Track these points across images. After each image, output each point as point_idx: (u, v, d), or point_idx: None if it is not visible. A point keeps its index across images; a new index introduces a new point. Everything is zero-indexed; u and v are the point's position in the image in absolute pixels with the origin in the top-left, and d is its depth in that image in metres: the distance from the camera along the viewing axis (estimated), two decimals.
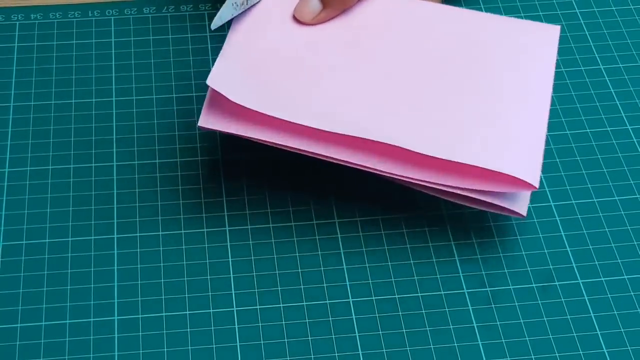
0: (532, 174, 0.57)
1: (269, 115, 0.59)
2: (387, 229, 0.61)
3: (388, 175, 0.58)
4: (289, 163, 0.64)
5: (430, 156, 0.58)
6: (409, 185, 0.59)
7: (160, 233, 0.60)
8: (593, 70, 0.70)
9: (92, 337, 0.55)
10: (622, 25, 0.73)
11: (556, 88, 0.69)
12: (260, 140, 0.58)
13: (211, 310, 0.57)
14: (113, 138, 0.65)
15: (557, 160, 0.64)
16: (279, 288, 0.58)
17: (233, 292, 0.58)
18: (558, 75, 0.69)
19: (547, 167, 0.64)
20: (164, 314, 0.57)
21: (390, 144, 0.58)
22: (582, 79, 0.69)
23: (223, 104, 0.59)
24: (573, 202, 0.62)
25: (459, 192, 0.58)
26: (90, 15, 0.72)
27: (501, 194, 0.58)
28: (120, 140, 0.65)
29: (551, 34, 0.64)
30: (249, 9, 0.64)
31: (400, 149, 0.58)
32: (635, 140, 0.66)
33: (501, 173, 0.57)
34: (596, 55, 0.71)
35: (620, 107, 0.68)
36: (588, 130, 0.66)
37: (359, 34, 0.63)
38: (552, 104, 0.68)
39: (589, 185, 0.63)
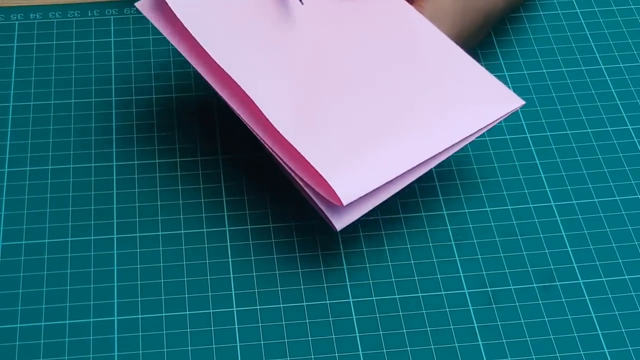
0: (346, 189, 0.54)
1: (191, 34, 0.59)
2: (387, 229, 0.61)
3: (260, 138, 0.58)
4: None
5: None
6: (280, 164, 0.58)
7: (160, 233, 0.60)
8: (594, 70, 0.70)
9: (91, 338, 0.55)
10: (622, 25, 0.73)
11: (557, 88, 0.69)
12: (177, 45, 0.59)
13: (211, 311, 0.57)
14: (113, 138, 0.65)
15: (558, 160, 0.64)
16: (279, 288, 0.58)
17: (233, 292, 0.58)
18: (559, 75, 0.69)
19: (548, 167, 0.64)
20: (163, 314, 0.56)
21: (262, 111, 0.57)
22: (582, 79, 0.69)
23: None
24: (574, 202, 0.62)
25: (294, 173, 0.56)
26: (89, 15, 0.72)
27: (327, 202, 0.56)
28: (120, 140, 0.64)
29: (508, 102, 0.60)
30: None
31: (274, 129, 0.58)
32: (636, 140, 0.66)
33: (321, 175, 0.56)
34: (597, 55, 0.71)
35: (621, 107, 0.67)
36: (589, 130, 0.66)
37: (328, 26, 0.62)
38: (553, 104, 0.68)
39: (590, 185, 0.63)
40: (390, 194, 0.57)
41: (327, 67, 0.61)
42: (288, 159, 0.57)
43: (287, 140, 0.57)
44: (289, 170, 0.57)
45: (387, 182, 0.56)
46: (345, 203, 0.54)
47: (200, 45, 0.59)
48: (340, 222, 0.56)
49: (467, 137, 0.58)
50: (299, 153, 0.57)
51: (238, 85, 0.59)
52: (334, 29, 0.62)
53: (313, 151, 0.56)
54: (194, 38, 0.60)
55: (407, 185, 0.57)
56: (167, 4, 0.60)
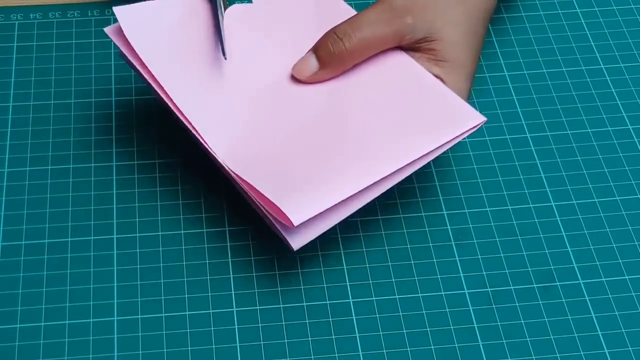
0: (297, 211, 0.54)
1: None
2: (387, 229, 0.61)
3: (217, 164, 0.58)
4: None
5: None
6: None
7: (160, 233, 0.60)
8: (594, 69, 0.70)
9: (91, 338, 0.55)
10: (623, 24, 0.73)
11: (557, 88, 0.69)
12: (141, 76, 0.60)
13: (211, 311, 0.57)
14: (112, 138, 0.65)
15: (558, 160, 0.64)
16: (279, 288, 0.58)
17: (233, 292, 0.58)
18: (559, 75, 0.69)
19: (548, 167, 0.64)
20: (163, 314, 0.56)
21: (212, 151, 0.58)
22: (583, 79, 0.69)
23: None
24: (574, 202, 0.62)
25: (251, 196, 0.57)
26: (89, 14, 0.72)
27: (282, 223, 0.56)
28: (120, 140, 0.64)
29: (471, 120, 0.59)
30: None
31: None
32: (636, 140, 0.66)
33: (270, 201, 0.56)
34: (597, 55, 0.71)
35: (621, 107, 0.67)
36: (589, 130, 0.66)
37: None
38: (553, 104, 0.67)
39: (590, 185, 0.63)
40: (348, 213, 0.56)
41: (280, 92, 0.61)
42: (243, 184, 0.57)
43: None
44: (245, 195, 0.58)
45: (342, 201, 0.56)
46: (296, 224, 0.54)
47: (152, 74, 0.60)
48: (296, 242, 0.56)
49: (427, 154, 0.58)
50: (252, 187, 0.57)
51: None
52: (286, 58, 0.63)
53: (261, 179, 0.56)
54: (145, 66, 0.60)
55: (367, 203, 0.57)
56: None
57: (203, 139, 0.58)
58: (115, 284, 0.58)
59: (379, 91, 0.61)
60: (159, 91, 0.59)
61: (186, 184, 0.62)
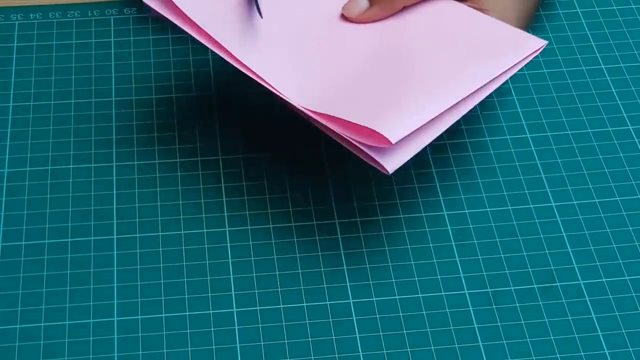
0: (392, 128, 0.55)
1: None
2: (387, 229, 0.61)
3: (291, 106, 0.58)
4: (289, 164, 0.64)
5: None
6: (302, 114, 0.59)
7: (160, 234, 0.60)
8: (594, 70, 0.70)
9: (91, 339, 0.55)
10: (623, 24, 0.73)
11: (557, 88, 0.68)
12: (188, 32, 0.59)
13: (211, 311, 0.57)
14: (113, 138, 0.65)
15: (559, 160, 0.64)
16: (279, 289, 0.58)
17: (233, 293, 0.58)
18: (559, 75, 0.69)
19: (548, 167, 0.64)
20: (163, 315, 0.56)
21: (280, 90, 0.58)
22: (583, 79, 0.69)
23: None
24: (574, 202, 0.62)
25: (335, 134, 0.57)
26: (89, 15, 0.72)
27: (373, 147, 0.56)
28: (120, 140, 0.64)
29: (530, 44, 0.60)
30: None
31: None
32: (636, 140, 0.66)
33: (362, 125, 0.56)
34: (597, 55, 0.70)
35: (621, 107, 0.67)
36: (589, 130, 0.66)
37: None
38: (553, 104, 0.67)
39: (590, 186, 0.63)
40: (437, 133, 0.57)
41: (333, 33, 0.62)
42: (325, 121, 0.57)
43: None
44: (327, 131, 0.58)
45: (429, 122, 0.56)
46: (394, 141, 0.54)
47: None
48: (390, 164, 0.55)
49: (495, 79, 0.58)
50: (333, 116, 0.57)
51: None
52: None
53: (343, 109, 0.56)
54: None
55: (452, 125, 0.59)
56: None
57: (272, 87, 0.58)
58: (116, 285, 0.58)
59: (433, 31, 0.61)
60: (215, 48, 0.59)
61: (186, 184, 0.62)
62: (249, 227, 0.61)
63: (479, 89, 0.58)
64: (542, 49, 0.59)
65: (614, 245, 0.60)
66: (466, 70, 0.58)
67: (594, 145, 0.65)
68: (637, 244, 0.60)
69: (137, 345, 0.55)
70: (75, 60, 0.69)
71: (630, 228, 0.61)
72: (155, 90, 0.67)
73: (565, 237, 0.60)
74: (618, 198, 0.62)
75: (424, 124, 0.56)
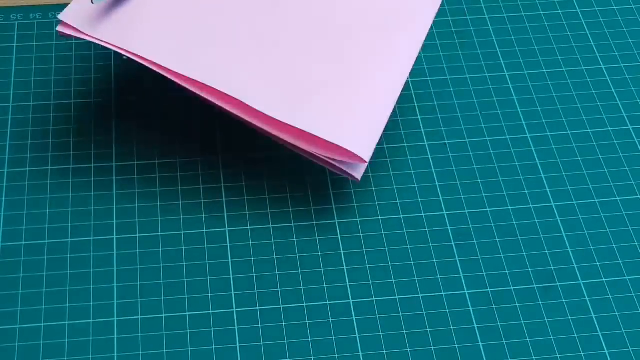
0: (365, 148, 0.58)
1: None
2: (387, 229, 0.61)
3: (251, 124, 0.59)
4: (289, 164, 0.64)
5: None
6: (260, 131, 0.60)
7: (160, 234, 0.60)
8: (594, 70, 0.70)
9: (91, 339, 0.55)
10: (623, 24, 0.73)
11: (557, 88, 0.68)
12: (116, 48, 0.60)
13: (211, 312, 0.57)
14: (112, 138, 0.64)
15: (558, 160, 0.64)
16: (279, 289, 0.58)
17: (233, 293, 0.58)
18: (559, 75, 0.69)
19: (548, 167, 0.64)
20: (163, 315, 0.56)
21: (235, 99, 0.59)
22: (583, 79, 0.69)
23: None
24: (574, 202, 0.62)
25: (300, 150, 0.59)
26: None
27: (344, 162, 0.59)
28: (120, 140, 0.64)
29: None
30: None
31: (247, 106, 0.59)
32: (636, 140, 0.66)
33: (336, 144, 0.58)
34: (597, 55, 0.70)
35: (621, 107, 0.67)
36: (589, 130, 0.66)
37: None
38: (553, 104, 0.67)
39: (590, 186, 0.63)
40: (386, 121, 0.60)
41: (265, 16, 0.63)
42: (288, 137, 0.59)
43: (278, 121, 0.59)
44: (293, 148, 0.59)
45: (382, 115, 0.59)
46: (367, 160, 0.57)
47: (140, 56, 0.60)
48: (358, 173, 0.59)
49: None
50: (297, 129, 0.59)
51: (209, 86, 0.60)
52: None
53: (310, 122, 0.58)
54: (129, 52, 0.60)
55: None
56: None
57: (237, 97, 0.59)
58: (115, 285, 0.58)
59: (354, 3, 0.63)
60: (153, 67, 0.60)
61: (186, 184, 0.62)
62: (248, 227, 0.61)
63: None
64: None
65: (614, 246, 0.60)
66: (398, 44, 0.61)
67: (593, 145, 0.65)
68: (637, 244, 0.60)
69: (137, 345, 0.55)
70: (75, 60, 0.69)
71: (630, 228, 0.61)
72: (155, 90, 0.67)
73: (565, 237, 0.60)
74: (618, 198, 0.62)
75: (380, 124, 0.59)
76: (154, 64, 0.60)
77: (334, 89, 0.60)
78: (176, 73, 0.60)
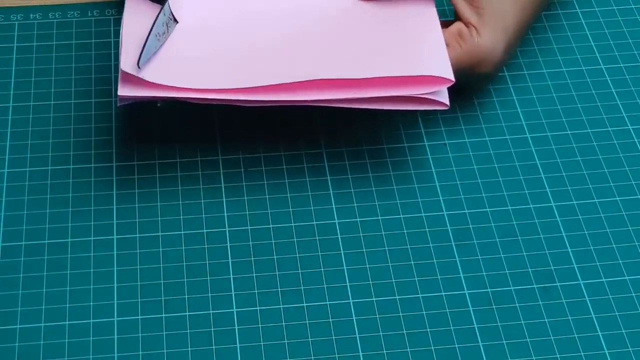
0: (446, 69, 0.60)
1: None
2: (387, 229, 0.61)
3: (318, 103, 0.60)
4: (289, 164, 0.64)
5: (352, 79, 0.60)
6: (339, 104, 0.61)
7: (160, 234, 0.60)
8: (594, 70, 0.70)
9: (91, 339, 0.55)
10: (623, 25, 0.73)
11: (557, 88, 0.68)
12: (186, 98, 0.60)
13: (211, 312, 0.57)
14: (112, 138, 0.64)
15: (558, 160, 0.64)
16: (279, 289, 0.58)
17: (233, 293, 0.58)
18: (559, 75, 0.69)
19: (548, 167, 0.64)
20: (163, 315, 0.56)
21: (312, 80, 0.60)
22: (583, 79, 0.69)
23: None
24: (574, 202, 0.62)
25: (386, 102, 0.60)
26: (89, 15, 0.72)
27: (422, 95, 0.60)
28: (120, 140, 0.64)
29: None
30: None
31: (321, 81, 0.60)
32: (636, 140, 0.66)
33: (420, 76, 0.60)
34: (597, 55, 0.70)
35: (621, 107, 0.67)
36: (589, 130, 0.66)
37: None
38: (553, 104, 0.67)
39: (590, 186, 0.63)
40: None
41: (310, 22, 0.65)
42: (373, 92, 0.60)
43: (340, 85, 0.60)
44: (378, 104, 0.60)
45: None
46: (453, 79, 0.60)
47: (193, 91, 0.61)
48: (445, 98, 0.60)
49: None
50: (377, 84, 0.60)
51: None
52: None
53: (388, 68, 0.61)
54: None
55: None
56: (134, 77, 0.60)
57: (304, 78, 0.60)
58: (116, 285, 0.58)
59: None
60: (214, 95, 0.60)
61: (186, 184, 0.62)
62: (248, 227, 0.61)
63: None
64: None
65: (614, 246, 0.60)
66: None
67: (593, 145, 0.65)
68: (636, 244, 0.60)
69: (137, 345, 0.55)
70: (75, 60, 0.69)
71: (630, 228, 0.61)
72: None
73: (565, 237, 0.60)
74: (618, 198, 0.62)
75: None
76: (220, 91, 0.60)
77: (389, 40, 0.63)
78: (244, 89, 0.60)
